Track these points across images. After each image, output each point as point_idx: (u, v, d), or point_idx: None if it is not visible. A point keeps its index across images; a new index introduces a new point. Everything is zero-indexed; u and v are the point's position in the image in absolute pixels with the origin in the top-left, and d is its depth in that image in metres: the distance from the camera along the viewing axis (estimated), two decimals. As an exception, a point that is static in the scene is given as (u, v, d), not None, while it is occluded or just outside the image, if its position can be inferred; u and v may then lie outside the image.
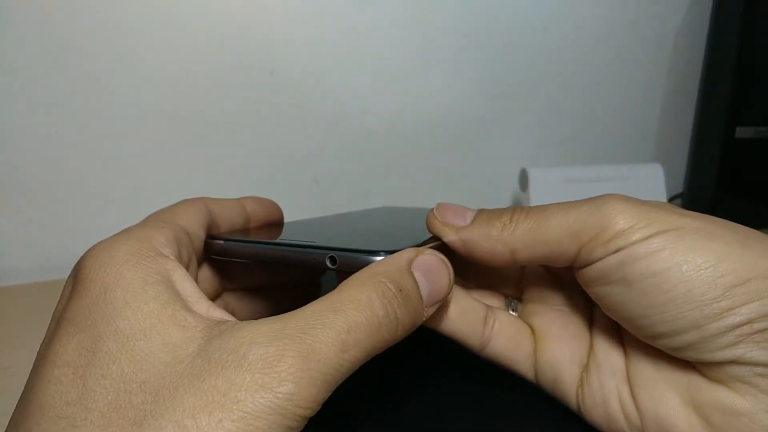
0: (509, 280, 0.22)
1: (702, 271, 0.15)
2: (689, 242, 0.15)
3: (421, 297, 0.16)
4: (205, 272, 0.20)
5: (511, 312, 0.21)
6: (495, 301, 0.21)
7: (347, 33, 0.45)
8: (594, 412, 0.18)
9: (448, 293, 0.16)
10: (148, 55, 0.40)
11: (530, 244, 0.17)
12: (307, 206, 0.48)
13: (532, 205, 0.46)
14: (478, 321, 0.19)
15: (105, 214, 0.39)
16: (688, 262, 0.15)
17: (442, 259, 0.16)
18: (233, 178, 0.45)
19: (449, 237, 0.18)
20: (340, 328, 0.13)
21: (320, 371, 0.13)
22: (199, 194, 0.21)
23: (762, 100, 0.51)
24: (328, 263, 0.17)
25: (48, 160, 0.39)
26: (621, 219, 0.16)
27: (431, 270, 0.16)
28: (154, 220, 0.17)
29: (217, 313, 0.15)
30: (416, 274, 0.16)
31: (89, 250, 0.15)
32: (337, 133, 0.47)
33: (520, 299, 0.22)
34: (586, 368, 0.19)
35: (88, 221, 0.39)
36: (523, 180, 0.48)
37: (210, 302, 0.15)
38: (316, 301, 0.14)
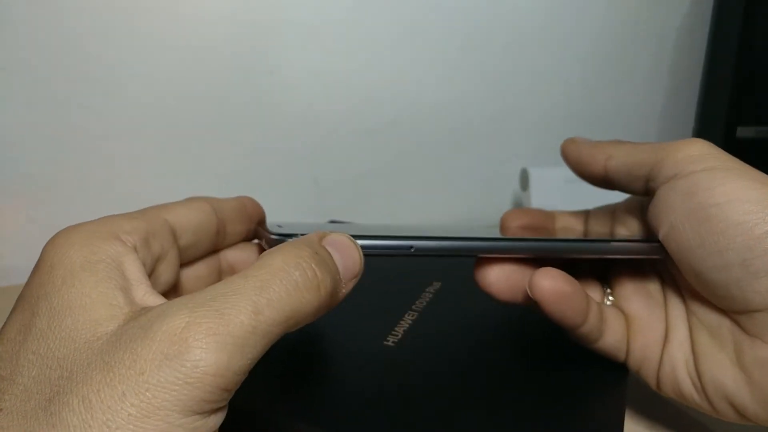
0: (600, 266, 0.24)
1: (755, 207, 0.17)
2: (748, 182, 0.17)
3: (336, 265, 0.16)
4: (200, 270, 0.20)
5: (607, 301, 0.23)
6: (593, 288, 0.23)
7: (347, 33, 0.45)
8: (666, 382, 0.20)
9: (360, 270, 0.17)
10: (148, 56, 0.40)
11: (622, 154, 0.21)
12: (306, 206, 0.48)
13: (533, 205, 0.46)
14: (599, 318, 0.21)
15: (105, 215, 0.39)
16: (744, 199, 0.17)
17: (350, 238, 0.17)
18: (233, 178, 0.45)
19: (570, 145, 0.24)
20: (251, 291, 0.13)
21: (231, 335, 0.12)
22: (197, 194, 0.21)
23: (763, 100, 0.51)
24: (265, 246, 0.18)
25: (49, 160, 0.39)
26: (694, 147, 0.19)
27: (341, 246, 0.16)
28: (138, 210, 0.18)
29: (151, 298, 0.15)
30: (329, 249, 0.16)
31: (54, 235, 0.15)
32: (337, 133, 0.47)
33: (609, 284, 0.23)
34: (664, 345, 0.21)
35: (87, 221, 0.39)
36: (524, 180, 0.48)
37: (150, 289, 0.15)
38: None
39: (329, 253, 0.16)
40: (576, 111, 0.56)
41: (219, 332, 0.12)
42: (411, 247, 0.19)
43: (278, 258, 0.14)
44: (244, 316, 0.13)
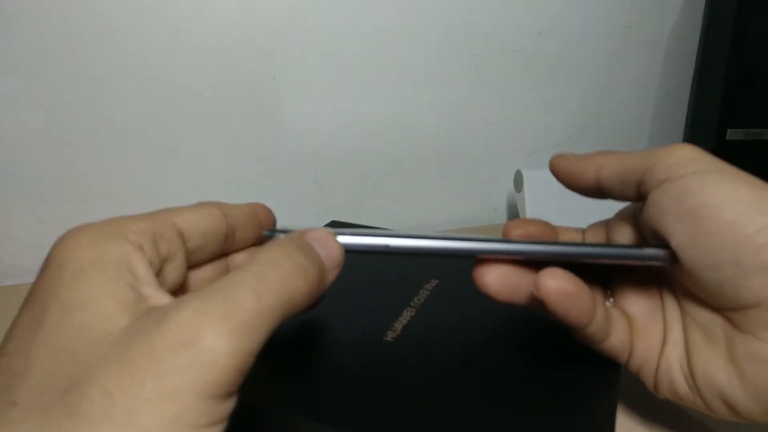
0: (602, 270, 0.24)
1: (745, 207, 0.17)
2: (737, 183, 0.18)
3: (319, 255, 0.18)
4: (208, 273, 0.21)
5: (608, 303, 0.23)
6: (594, 292, 0.23)
7: (348, 38, 0.46)
8: (663, 383, 0.21)
9: (342, 258, 0.19)
10: (151, 59, 0.40)
11: (612, 163, 0.21)
12: (308, 207, 0.49)
13: (527, 207, 0.47)
14: (606, 319, 0.21)
15: (112, 215, 0.39)
16: (734, 199, 0.18)
17: (328, 231, 0.19)
18: (235, 180, 0.46)
19: (559, 160, 0.23)
20: (251, 280, 0.14)
21: (238, 320, 0.13)
22: (201, 195, 0.22)
23: (753, 103, 0.52)
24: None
25: (57, 161, 0.40)
26: (684, 152, 0.19)
27: (321, 239, 0.18)
28: (147, 213, 0.18)
29: (159, 297, 0.15)
30: (310, 242, 0.18)
31: (62, 234, 0.16)
32: (338, 135, 0.48)
33: (610, 287, 0.24)
34: (662, 347, 0.21)
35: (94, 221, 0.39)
36: (518, 181, 0.49)
37: (158, 288, 0.16)
38: None
39: (312, 246, 0.18)
40: (569, 114, 0.57)
41: (229, 317, 0.13)
42: (387, 245, 0.20)
43: (269, 252, 0.16)
44: (249, 301, 0.14)
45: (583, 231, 0.25)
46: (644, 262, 0.20)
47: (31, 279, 0.15)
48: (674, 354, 0.21)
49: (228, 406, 0.14)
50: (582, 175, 0.22)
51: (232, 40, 0.42)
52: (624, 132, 0.60)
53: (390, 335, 0.25)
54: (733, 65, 0.51)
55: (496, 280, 0.21)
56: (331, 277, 0.18)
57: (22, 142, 0.38)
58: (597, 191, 0.23)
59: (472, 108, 0.52)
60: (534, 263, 0.21)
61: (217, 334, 0.13)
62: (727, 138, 0.51)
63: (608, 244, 0.22)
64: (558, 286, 0.20)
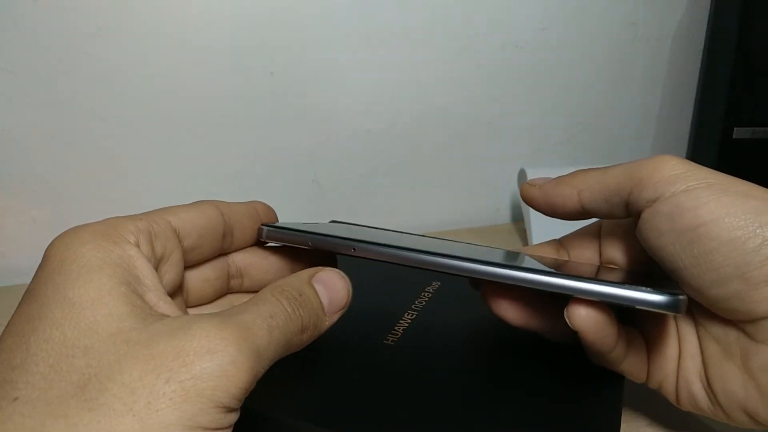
0: None
1: (743, 222, 0.17)
2: (731, 197, 0.17)
3: (321, 303, 0.18)
4: (207, 273, 0.21)
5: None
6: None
7: (347, 34, 0.45)
8: (683, 396, 0.21)
9: (347, 302, 0.19)
10: (149, 56, 0.40)
11: (593, 185, 0.20)
12: (307, 206, 0.48)
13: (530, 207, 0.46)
14: (625, 341, 0.20)
15: (108, 215, 0.39)
16: (731, 214, 0.17)
17: (341, 275, 0.19)
18: (234, 179, 0.45)
19: (533, 191, 0.22)
20: (265, 314, 0.15)
21: (255, 343, 0.14)
22: (200, 194, 0.21)
23: (760, 101, 0.51)
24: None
25: (51, 160, 0.39)
26: (669, 166, 0.18)
27: (330, 283, 0.18)
28: (142, 213, 0.18)
29: (164, 306, 0.15)
30: (317, 287, 0.18)
31: (59, 234, 0.16)
32: (338, 134, 0.48)
33: None
34: (678, 360, 0.21)
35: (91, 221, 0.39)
36: (522, 180, 0.48)
37: (164, 295, 0.16)
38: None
39: (315, 291, 0.18)
40: (574, 112, 0.56)
41: (248, 340, 0.14)
42: (353, 248, 0.21)
43: (272, 297, 0.16)
44: (263, 332, 0.15)
45: (559, 243, 0.24)
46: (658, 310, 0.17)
47: (25, 280, 0.15)
48: (692, 368, 0.20)
49: (232, 418, 0.14)
50: (563, 203, 0.21)
51: (231, 37, 0.42)
52: (630, 130, 0.59)
53: (391, 338, 0.24)
54: (740, 63, 0.51)
55: (508, 305, 0.21)
56: (329, 322, 0.18)
57: (16, 141, 0.38)
58: (582, 215, 0.22)
59: (474, 105, 0.52)
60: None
61: (240, 349, 0.14)
62: (733, 137, 0.51)
63: (616, 284, 0.18)
64: (589, 315, 0.18)
